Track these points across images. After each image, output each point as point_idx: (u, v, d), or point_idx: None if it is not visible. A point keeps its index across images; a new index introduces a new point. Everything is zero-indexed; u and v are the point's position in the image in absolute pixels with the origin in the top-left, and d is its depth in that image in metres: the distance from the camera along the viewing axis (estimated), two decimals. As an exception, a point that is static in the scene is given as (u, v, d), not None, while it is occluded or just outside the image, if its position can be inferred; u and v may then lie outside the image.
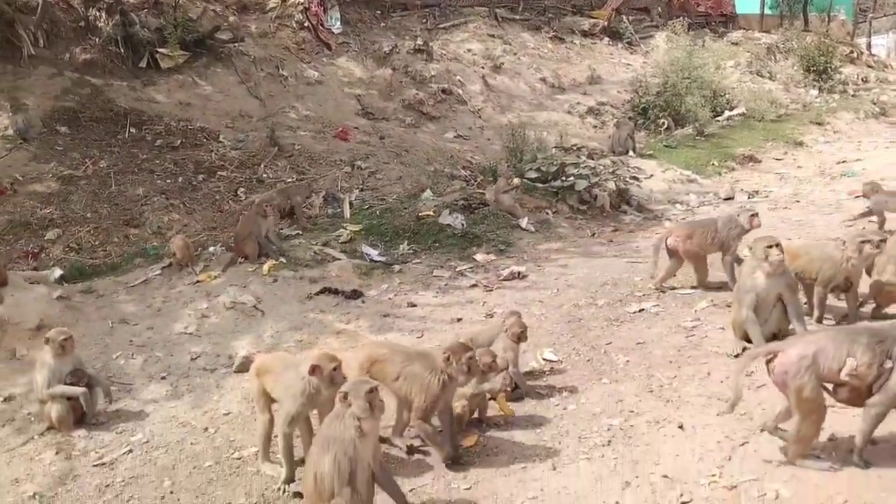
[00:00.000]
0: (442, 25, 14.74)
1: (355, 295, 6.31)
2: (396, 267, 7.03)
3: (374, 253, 7.26)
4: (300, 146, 10.13)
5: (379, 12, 14.36)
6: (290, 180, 9.09)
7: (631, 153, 10.94)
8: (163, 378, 5.08)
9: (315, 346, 5.38)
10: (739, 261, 5.78)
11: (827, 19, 23.32)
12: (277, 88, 11.54)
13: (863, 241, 4.87)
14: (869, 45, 25.02)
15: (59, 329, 4.61)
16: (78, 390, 4.40)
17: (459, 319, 5.84)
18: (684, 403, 4.22)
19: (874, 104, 15.65)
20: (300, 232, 7.71)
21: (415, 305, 6.16)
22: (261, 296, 6.18)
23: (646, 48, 17.09)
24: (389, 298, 6.35)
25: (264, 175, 9.29)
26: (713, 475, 3.39)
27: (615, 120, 11.67)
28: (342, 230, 7.61)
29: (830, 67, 17.20)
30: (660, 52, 15.83)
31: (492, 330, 4.73)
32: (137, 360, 5.31)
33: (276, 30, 12.72)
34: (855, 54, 20.77)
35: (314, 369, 3.54)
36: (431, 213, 8.06)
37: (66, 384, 4.40)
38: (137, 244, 7.60)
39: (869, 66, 20.38)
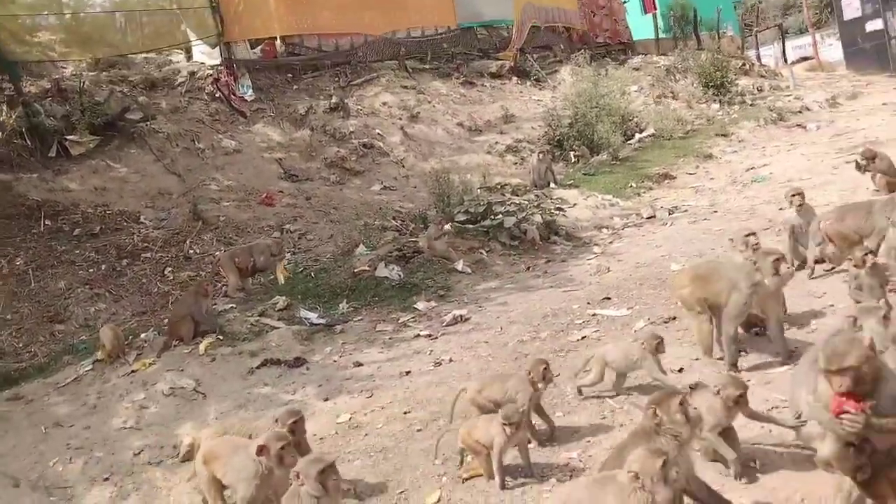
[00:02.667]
0: (354, 82, 14.93)
1: (298, 363, 6.18)
2: (338, 327, 6.95)
3: (313, 316, 7.15)
4: (225, 217, 9.99)
5: (290, 75, 14.43)
6: (218, 252, 8.91)
7: (552, 185, 11.26)
8: (105, 479, 4.82)
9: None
10: None
11: (717, 37, 24.84)
12: (195, 162, 11.39)
13: (748, 235, 5.07)
14: (758, 57, 26.73)
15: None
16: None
17: (408, 372, 5.79)
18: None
19: (771, 111, 16.61)
20: (233, 305, 7.53)
21: (361, 364, 6.08)
22: (200, 377, 5.98)
23: (553, 83, 17.72)
24: (334, 361, 6.25)
25: (191, 251, 9.09)
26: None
27: (533, 155, 11.97)
28: (278, 298, 7.48)
29: (727, 81, 18.21)
30: (567, 85, 16.43)
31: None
32: (76, 464, 5.02)
33: (187, 104, 12.60)
34: (747, 66, 22.11)
35: (261, 450, 3.44)
36: (367, 267, 8.05)
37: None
38: (64, 341, 7.27)
39: (761, 76, 21.71)
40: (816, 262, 6.21)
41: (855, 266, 4.78)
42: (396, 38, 16.49)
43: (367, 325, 7.01)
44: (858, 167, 8.22)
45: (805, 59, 28.35)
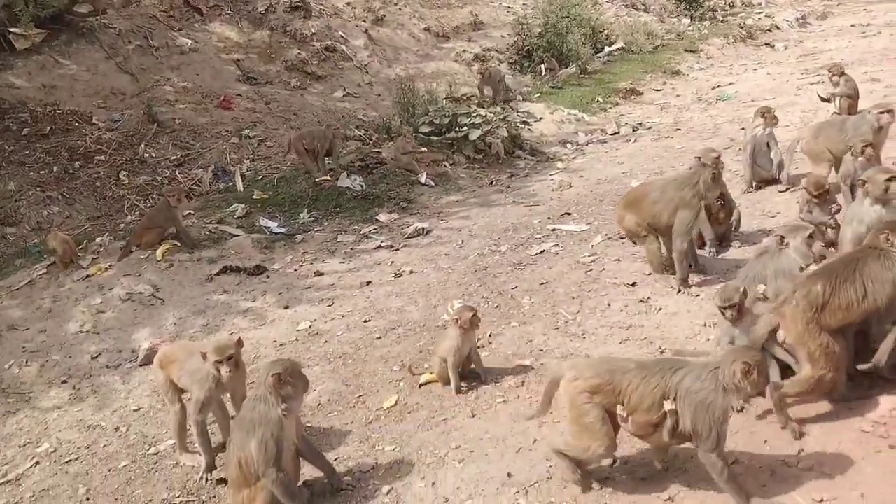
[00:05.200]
0: (317, -20, 14.20)
1: (258, 270, 6.17)
2: (299, 237, 6.92)
3: (273, 225, 7.09)
4: (181, 120, 9.64)
5: (248, -31, 13.64)
6: (173, 157, 8.67)
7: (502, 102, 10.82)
8: (63, 382, 4.85)
9: (222, 329, 5.27)
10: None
11: (693, -52, 24.15)
12: (149, 61, 10.85)
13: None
14: (733, -29, 26.12)
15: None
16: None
17: (369, 283, 5.84)
18: (589, 335, 4.46)
19: (741, 28, 16.42)
20: (191, 211, 7.39)
21: (322, 274, 6.11)
22: (158, 283, 5.94)
23: (525, -11, 17.13)
24: (295, 270, 6.25)
25: (146, 155, 8.81)
26: (620, 401, 3.60)
27: (485, 70, 11.34)
28: (237, 205, 7.36)
29: (700, -6, 17.86)
30: (539, -8, 15.91)
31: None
32: (33, 367, 5.03)
33: (139, -3, 11.89)
34: (721, -20, 21.63)
35: (203, 356, 3.46)
36: (328, 177, 7.94)
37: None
38: (16, 244, 7.10)
39: (734, -9, 21.31)
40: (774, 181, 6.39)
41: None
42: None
43: (329, 235, 6.99)
44: (822, 98, 8.31)
45: (780, -26, 27.81)
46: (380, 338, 4.89)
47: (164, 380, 3.76)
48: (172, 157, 8.73)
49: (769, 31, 16.59)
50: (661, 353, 4.04)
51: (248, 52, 11.83)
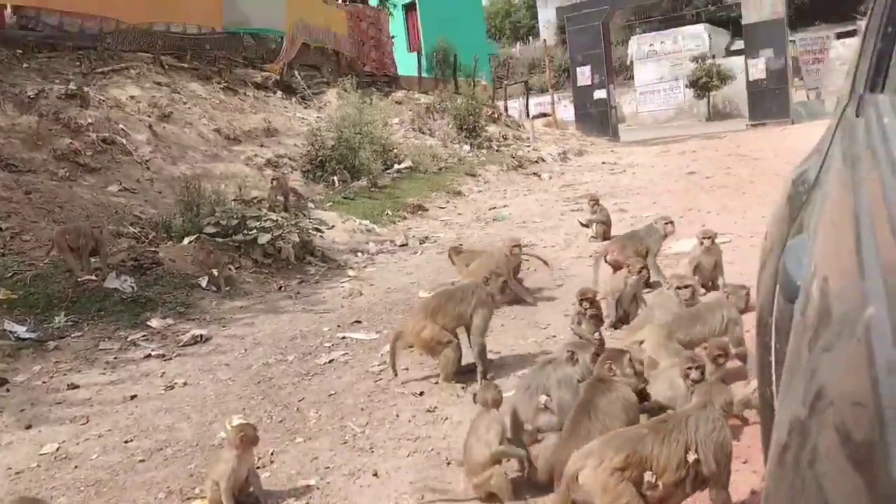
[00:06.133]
0: (100, 70, 13.43)
1: (-3, 383, 5.27)
2: (51, 343, 6.07)
3: (20, 329, 6.17)
4: (-87, 205, 8.27)
5: (20, 52, 12.54)
6: None
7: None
8: None
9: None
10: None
11: (473, 83, 26.91)
12: None
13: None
14: (506, 108, 29.42)
15: None
16: None
17: (134, 397, 5.22)
18: (377, 449, 4.33)
19: (513, 158, 18.35)
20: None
21: (77, 387, 5.35)
22: None
23: (319, 103, 17.70)
24: (43, 382, 5.42)
25: None
26: (408, 518, 3.50)
27: (272, 179, 11.25)
28: (-25, 305, 6.34)
29: (478, 126, 19.76)
30: (332, 107, 16.53)
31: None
32: None
33: None
34: (496, 115, 24.23)
35: None
36: (93, 277, 7.18)
37: None
38: None
39: (507, 126, 23.94)
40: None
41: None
42: (154, 29, 15.24)
43: (89, 342, 6.23)
44: (582, 224, 9.50)
45: (544, 114, 31.95)
46: (143, 460, 4.33)
47: None
48: None
49: (536, 162, 18.72)
50: (448, 464, 4.04)
51: (9, 137, 10.65)
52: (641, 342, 4.47)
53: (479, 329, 5.07)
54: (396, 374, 5.23)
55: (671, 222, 6.95)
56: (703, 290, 6.25)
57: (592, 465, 2.79)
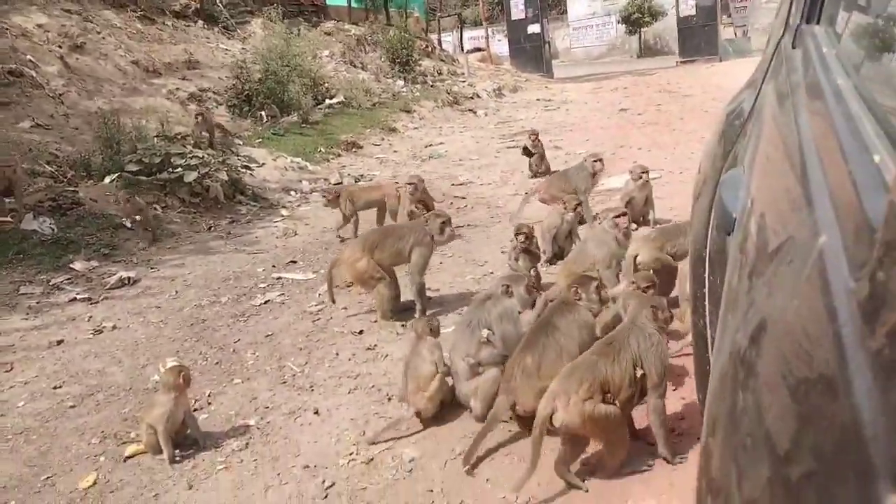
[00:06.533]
0: (-1, -6, 12.35)
1: None
2: (-35, 289, 5.75)
3: (-70, 275, 5.82)
4: None
5: None
6: None
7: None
8: None
9: None
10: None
11: (405, 15, 26.14)
12: None
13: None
14: (440, 42, 28.84)
15: None
16: None
17: (60, 342, 5.04)
18: (317, 388, 4.34)
19: (448, 94, 18.08)
20: None
21: (-2, 333, 5.13)
22: None
23: (243, 34, 16.86)
24: (-41, 329, 5.17)
25: None
26: (350, 453, 3.54)
27: (196, 114, 10.71)
28: None
29: (412, 60, 19.29)
30: (257, 38, 15.79)
31: None
32: None
33: None
34: (430, 49, 23.69)
35: None
36: (9, 219, 6.78)
37: None
38: None
39: (441, 60, 23.47)
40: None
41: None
42: (58, -49, 14.01)
43: (8, 286, 5.93)
44: (525, 152, 9.47)
45: (478, 49, 31.46)
46: (74, 406, 4.22)
47: None
48: None
49: (472, 98, 18.51)
50: (388, 400, 4.08)
51: None
52: (636, 256, 4.68)
53: (418, 267, 5.09)
54: (334, 302, 5.27)
55: (600, 160, 7.01)
56: (634, 226, 6.42)
57: (563, 404, 2.91)
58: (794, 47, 1.84)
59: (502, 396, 3.38)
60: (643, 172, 6.56)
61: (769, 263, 1.00)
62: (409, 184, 6.78)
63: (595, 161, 6.94)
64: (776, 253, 0.98)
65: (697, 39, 27.83)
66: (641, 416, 3.27)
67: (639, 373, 3.01)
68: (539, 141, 9.48)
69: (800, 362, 0.74)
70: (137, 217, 7.27)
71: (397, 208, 7.03)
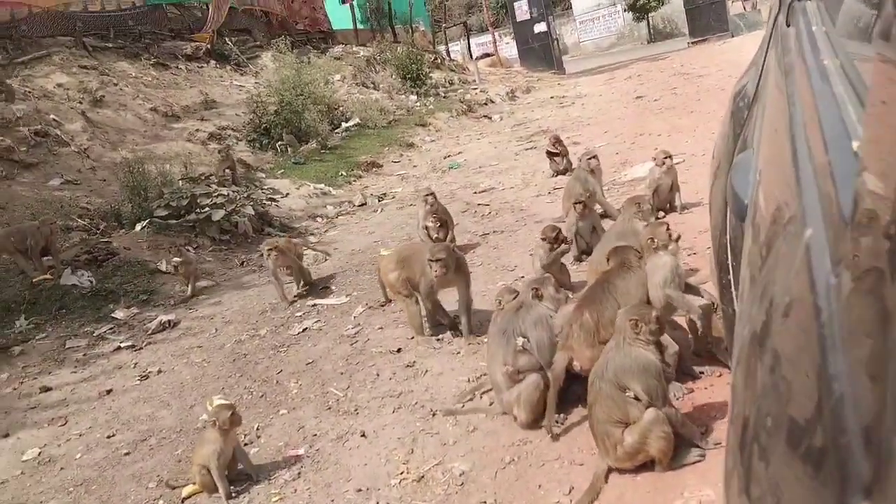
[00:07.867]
0: (20, 60, 12.78)
1: (-36, 396, 5.15)
2: (16, 349, 5.93)
3: (-20, 339, 6.02)
4: None
5: (-73, 49, 11.86)
6: None
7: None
8: None
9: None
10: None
11: (410, 30, 26.32)
12: None
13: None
14: (448, 52, 28.97)
15: None
16: None
17: (110, 391, 5.17)
18: (362, 410, 4.37)
19: (462, 102, 18.13)
20: None
21: (49, 389, 5.28)
22: None
23: (255, 68, 17.16)
24: (14, 389, 5.33)
25: None
26: (401, 473, 3.56)
27: (218, 152, 10.94)
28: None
29: (422, 74, 19.41)
30: (269, 71, 16.04)
31: None
32: None
33: None
34: (439, 60, 23.81)
35: None
36: (49, 276, 6.99)
37: None
38: None
39: (451, 70, 23.56)
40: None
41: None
42: (70, 12, 14.49)
43: (55, 341, 6.11)
44: (550, 154, 9.40)
45: (487, 55, 31.52)
46: (129, 453, 4.32)
47: None
48: None
49: (485, 104, 18.54)
50: (433, 416, 4.10)
51: (-67, 141, 10.14)
52: None
53: (423, 293, 5.02)
54: (390, 301, 5.64)
55: (594, 157, 6.87)
56: (661, 213, 6.35)
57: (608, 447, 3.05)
58: (788, 25, 1.82)
59: (560, 353, 3.55)
60: (667, 157, 6.49)
61: (773, 244, 0.99)
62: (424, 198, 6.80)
63: (589, 159, 6.82)
64: (777, 235, 0.98)
65: (706, 18, 27.50)
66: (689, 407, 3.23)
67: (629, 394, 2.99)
68: (560, 143, 9.41)
69: (799, 354, 0.74)
70: (181, 270, 7.15)
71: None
